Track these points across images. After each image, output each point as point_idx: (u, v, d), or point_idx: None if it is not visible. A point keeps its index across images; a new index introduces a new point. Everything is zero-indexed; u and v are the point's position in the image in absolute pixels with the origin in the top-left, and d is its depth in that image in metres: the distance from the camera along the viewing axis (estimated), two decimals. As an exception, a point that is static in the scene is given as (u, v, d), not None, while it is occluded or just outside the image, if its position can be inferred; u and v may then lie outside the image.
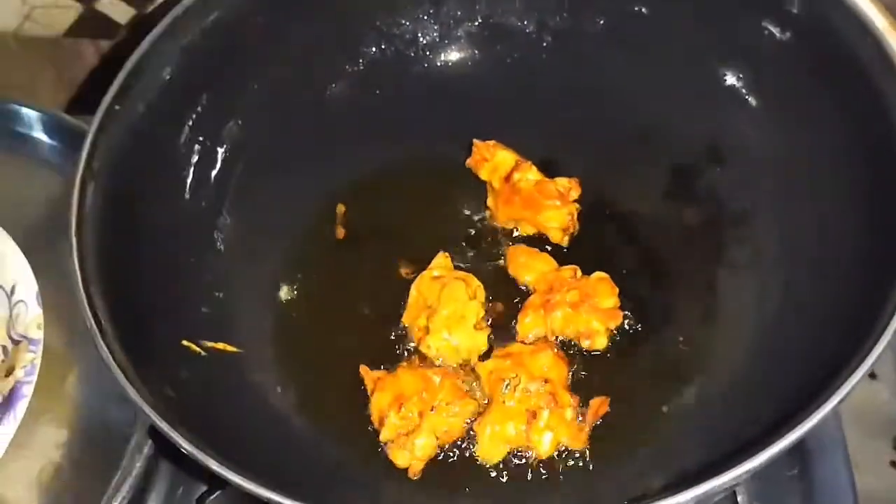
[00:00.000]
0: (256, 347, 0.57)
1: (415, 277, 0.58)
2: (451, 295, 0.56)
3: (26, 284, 0.60)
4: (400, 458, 0.52)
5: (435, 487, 0.52)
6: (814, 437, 0.57)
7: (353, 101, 0.65)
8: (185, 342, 0.54)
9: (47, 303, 0.60)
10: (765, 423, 0.42)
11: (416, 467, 0.52)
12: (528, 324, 0.56)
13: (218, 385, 0.53)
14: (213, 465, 0.42)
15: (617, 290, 0.56)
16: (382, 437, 0.52)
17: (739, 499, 0.54)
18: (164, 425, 0.43)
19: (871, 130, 0.51)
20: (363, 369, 0.55)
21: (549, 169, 0.62)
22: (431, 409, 0.52)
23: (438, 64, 0.66)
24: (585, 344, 0.55)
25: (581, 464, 0.52)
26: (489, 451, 0.52)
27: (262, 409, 0.54)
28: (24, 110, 0.69)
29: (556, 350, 0.54)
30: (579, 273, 0.57)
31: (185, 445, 0.42)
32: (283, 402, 0.55)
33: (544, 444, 0.51)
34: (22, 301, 0.60)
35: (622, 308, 0.56)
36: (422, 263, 0.59)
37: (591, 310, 0.55)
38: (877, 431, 0.72)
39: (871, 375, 0.76)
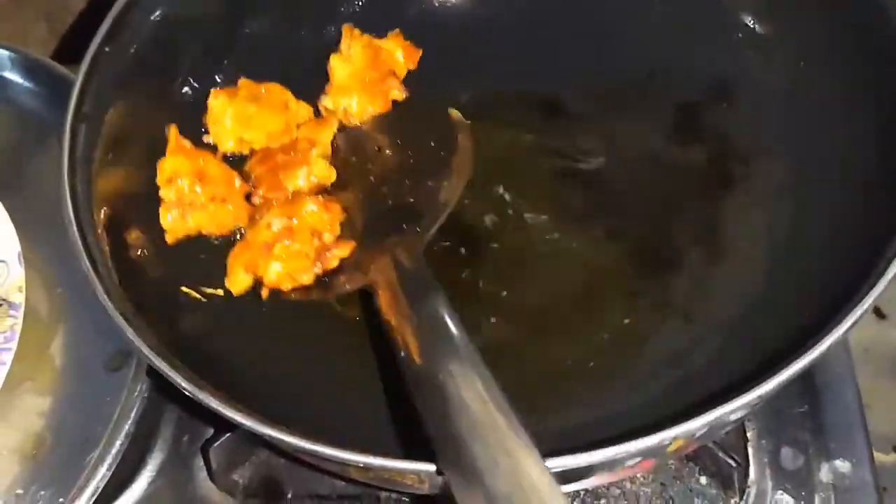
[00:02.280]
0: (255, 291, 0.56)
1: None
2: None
3: (7, 243, 0.57)
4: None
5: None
6: (823, 374, 0.57)
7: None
8: (183, 289, 0.53)
9: (30, 263, 0.58)
10: (774, 354, 0.41)
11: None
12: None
13: (218, 328, 0.53)
14: (213, 403, 0.41)
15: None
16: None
17: (749, 434, 0.53)
18: (163, 366, 0.43)
19: (884, 62, 0.50)
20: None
21: (554, 109, 0.61)
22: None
23: (437, 3, 0.65)
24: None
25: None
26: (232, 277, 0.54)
27: (263, 350, 0.53)
28: (9, 55, 0.66)
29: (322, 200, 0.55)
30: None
31: (185, 385, 0.42)
32: (286, 344, 0.54)
33: (270, 273, 0.53)
34: (2, 261, 0.57)
35: (627, 246, 0.55)
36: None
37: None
38: (887, 371, 0.72)
39: (881, 315, 0.75)
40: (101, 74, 0.52)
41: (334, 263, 0.54)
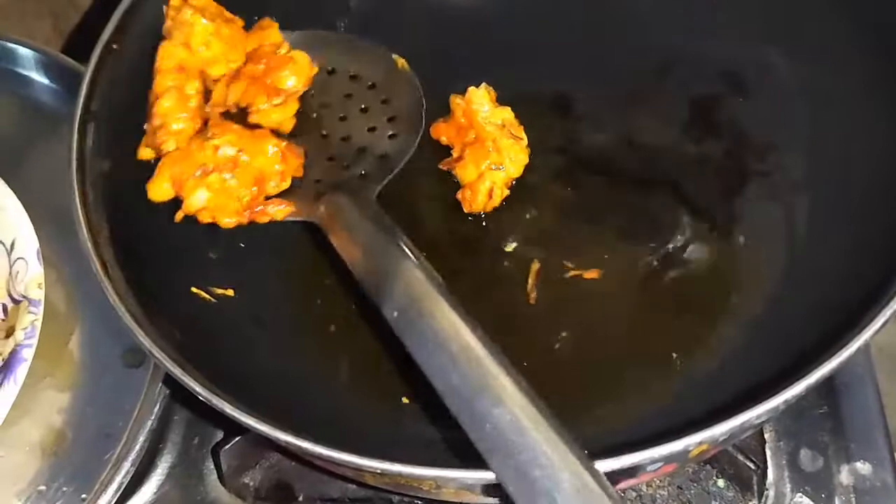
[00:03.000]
0: (267, 291, 0.55)
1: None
2: None
3: (27, 239, 0.57)
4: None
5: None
6: (842, 375, 0.56)
7: (361, 34, 0.62)
8: (194, 289, 0.53)
9: (47, 260, 0.57)
10: (796, 356, 0.41)
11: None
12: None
13: (228, 330, 0.52)
14: (227, 409, 0.40)
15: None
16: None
17: (767, 436, 0.53)
18: (175, 370, 0.42)
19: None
20: None
21: (567, 106, 0.61)
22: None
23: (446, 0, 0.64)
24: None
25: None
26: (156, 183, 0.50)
27: (275, 353, 0.53)
28: (22, 50, 0.66)
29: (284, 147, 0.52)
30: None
31: (198, 389, 0.41)
32: (297, 345, 0.54)
33: (194, 199, 0.50)
34: (22, 258, 0.57)
35: (644, 245, 0.55)
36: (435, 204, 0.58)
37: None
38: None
39: (895, 315, 0.74)
40: (108, 72, 0.51)
41: (264, 220, 0.51)
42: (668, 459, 0.37)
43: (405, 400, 0.51)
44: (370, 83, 0.57)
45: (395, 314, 0.42)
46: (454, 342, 0.39)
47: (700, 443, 0.36)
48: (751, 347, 0.49)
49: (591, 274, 0.54)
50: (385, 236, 0.46)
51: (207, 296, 0.53)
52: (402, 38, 0.62)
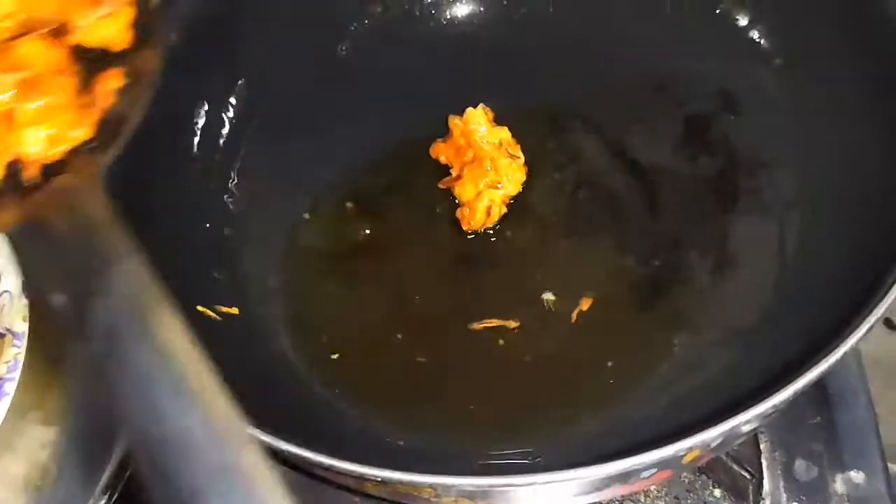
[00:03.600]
0: (271, 311, 0.56)
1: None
2: None
3: (11, 273, 0.56)
4: None
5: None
6: (835, 385, 0.56)
7: (360, 61, 0.64)
8: (199, 308, 0.54)
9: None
10: (786, 364, 0.42)
11: None
12: None
13: (233, 348, 0.53)
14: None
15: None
16: None
17: (762, 446, 0.53)
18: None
19: (890, 76, 0.50)
20: None
21: (562, 123, 0.62)
22: None
23: (444, 22, 0.65)
24: None
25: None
26: None
27: (279, 371, 0.54)
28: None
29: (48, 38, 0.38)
30: None
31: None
32: (302, 364, 0.55)
33: (34, 144, 0.37)
34: (7, 291, 0.56)
35: (636, 260, 0.56)
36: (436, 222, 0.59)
37: None
38: (900, 383, 0.71)
39: (892, 326, 0.75)
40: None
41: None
42: (660, 465, 0.38)
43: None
44: None
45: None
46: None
47: (691, 448, 0.37)
48: (741, 357, 0.50)
49: (586, 303, 0.55)
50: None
51: (213, 314, 0.54)
52: (401, 61, 0.64)
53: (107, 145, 0.40)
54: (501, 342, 0.54)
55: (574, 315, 0.54)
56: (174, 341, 0.32)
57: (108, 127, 0.40)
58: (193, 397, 0.31)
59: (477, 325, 0.55)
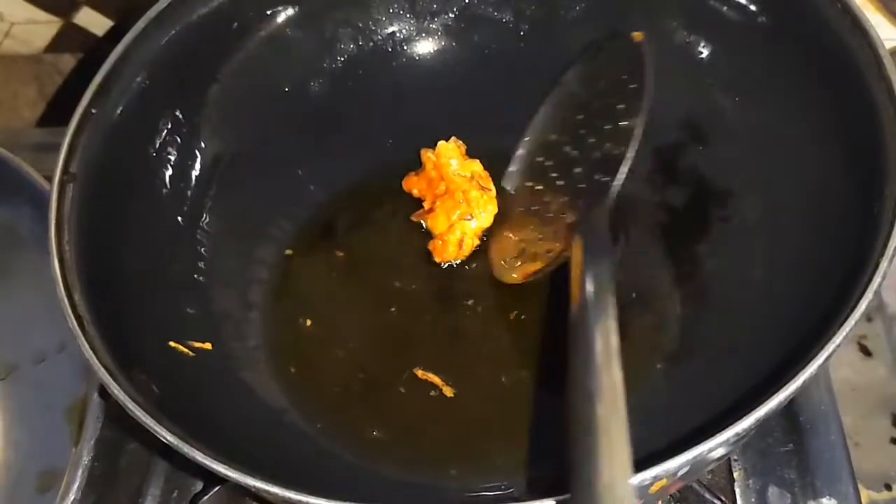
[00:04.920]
0: (244, 344, 0.57)
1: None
2: None
3: None
4: None
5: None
6: (807, 412, 0.57)
7: (333, 97, 0.64)
8: (172, 344, 0.54)
9: None
10: (755, 390, 0.42)
11: None
12: None
13: (206, 382, 0.53)
14: (199, 457, 0.41)
15: None
16: None
17: (735, 474, 0.53)
18: (148, 420, 0.43)
19: (850, 103, 0.51)
20: None
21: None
22: None
23: (416, 57, 0.66)
24: None
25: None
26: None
27: (251, 401, 0.54)
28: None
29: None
30: None
31: (169, 438, 0.42)
32: (274, 396, 0.55)
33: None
34: None
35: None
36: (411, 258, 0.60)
37: None
38: (875, 410, 0.72)
39: (867, 353, 0.75)
40: (87, 135, 0.53)
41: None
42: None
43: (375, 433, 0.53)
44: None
45: None
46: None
47: (656, 477, 0.37)
48: (710, 384, 0.50)
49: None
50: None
51: (186, 350, 0.54)
52: (373, 97, 0.65)
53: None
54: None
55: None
56: None
57: None
58: None
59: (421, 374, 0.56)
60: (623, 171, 0.52)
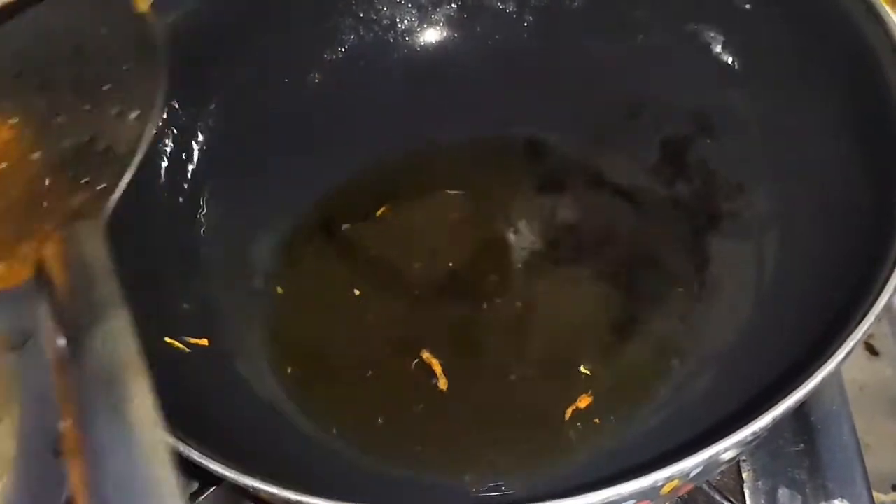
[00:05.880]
0: (242, 340, 0.55)
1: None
2: None
3: None
4: None
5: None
6: (818, 411, 0.56)
7: (334, 89, 0.63)
8: (167, 339, 0.52)
9: None
10: (765, 389, 0.41)
11: None
12: None
13: (202, 379, 0.52)
14: (195, 456, 0.40)
15: None
16: None
17: (745, 475, 0.52)
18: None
19: (862, 94, 0.50)
20: None
21: (537, 150, 0.62)
22: None
23: (418, 49, 0.65)
24: None
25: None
26: None
27: (250, 399, 0.53)
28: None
29: None
30: None
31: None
32: (273, 393, 0.54)
33: None
34: None
35: (617, 285, 0.55)
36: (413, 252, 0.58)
37: None
38: (884, 409, 0.71)
39: (874, 353, 0.74)
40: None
41: None
42: (638, 496, 0.37)
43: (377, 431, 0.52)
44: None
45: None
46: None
47: (669, 478, 0.36)
48: (721, 383, 0.49)
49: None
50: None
51: (181, 346, 0.53)
52: (375, 89, 0.64)
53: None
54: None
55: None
56: (141, 414, 0.30)
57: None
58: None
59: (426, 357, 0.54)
60: (123, 182, 0.39)
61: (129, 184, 0.53)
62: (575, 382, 0.52)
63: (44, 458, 0.54)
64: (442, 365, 0.54)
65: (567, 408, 0.51)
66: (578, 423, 0.50)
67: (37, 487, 0.53)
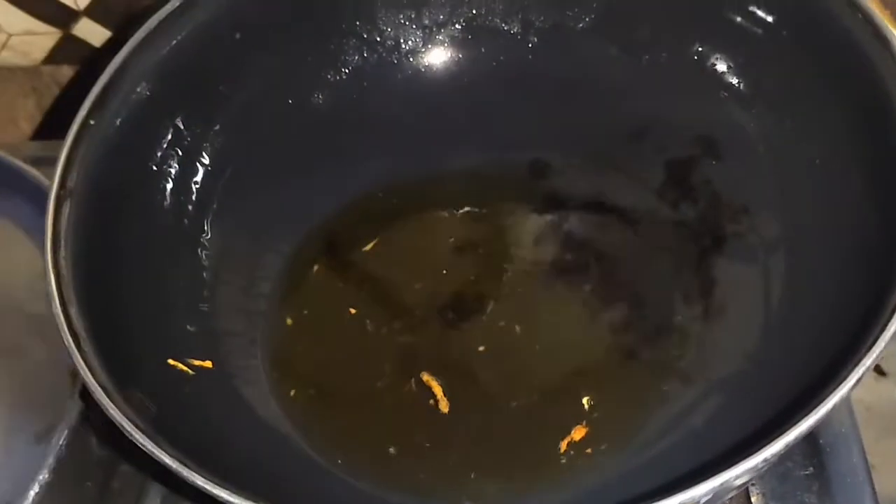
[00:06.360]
0: (247, 363, 0.55)
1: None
2: None
3: None
4: None
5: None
6: (826, 434, 0.55)
7: (338, 110, 0.63)
8: (171, 361, 0.52)
9: None
10: (775, 414, 0.40)
11: None
12: None
13: (206, 402, 0.51)
14: (199, 481, 0.40)
15: None
16: None
17: (754, 499, 0.52)
18: (146, 442, 0.41)
19: (873, 119, 0.49)
20: None
21: (541, 172, 0.61)
22: None
23: (422, 69, 0.64)
24: None
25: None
26: None
27: (255, 425, 0.52)
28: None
29: None
30: None
31: (168, 461, 0.40)
32: (278, 417, 0.53)
33: None
34: None
35: (620, 307, 0.55)
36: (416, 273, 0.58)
37: None
38: (890, 431, 0.70)
39: (881, 373, 0.74)
40: (86, 147, 0.52)
41: None
42: (648, 523, 0.37)
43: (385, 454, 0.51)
44: None
45: None
46: None
47: (680, 505, 0.36)
48: (729, 408, 0.49)
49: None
50: None
51: (185, 367, 0.53)
52: (379, 109, 0.64)
53: None
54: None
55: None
56: None
57: None
58: None
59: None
60: None
61: (134, 206, 0.55)
62: (576, 409, 0.52)
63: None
64: (442, 388, 0.54)
65: (567, 436, 0.50)
66: (581, 451, 0.50)
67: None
